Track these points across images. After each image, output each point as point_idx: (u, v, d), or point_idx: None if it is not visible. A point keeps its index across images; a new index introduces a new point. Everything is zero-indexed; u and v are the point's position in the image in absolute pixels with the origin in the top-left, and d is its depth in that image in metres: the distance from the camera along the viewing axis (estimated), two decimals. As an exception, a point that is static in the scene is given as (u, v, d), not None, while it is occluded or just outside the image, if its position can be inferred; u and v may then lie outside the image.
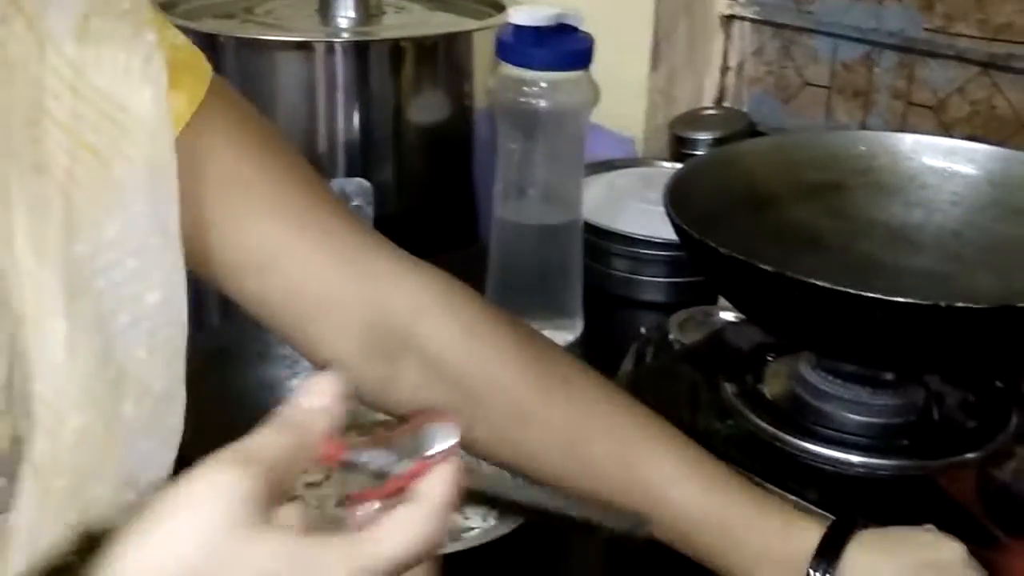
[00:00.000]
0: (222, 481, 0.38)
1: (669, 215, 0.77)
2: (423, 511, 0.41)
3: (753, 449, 0.73)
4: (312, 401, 0.41)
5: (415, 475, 0.42)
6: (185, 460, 0.84)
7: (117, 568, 0.37)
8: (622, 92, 1.33)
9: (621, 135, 1.39)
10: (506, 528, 0.72)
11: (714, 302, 0.96)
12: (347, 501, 0.43)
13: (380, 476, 0.43)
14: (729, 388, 0.78)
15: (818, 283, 0.65)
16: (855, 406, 0.75)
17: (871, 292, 0.64)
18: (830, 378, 0.76)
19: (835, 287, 0.65)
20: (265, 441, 0.40)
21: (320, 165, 1.26)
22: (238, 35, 1.28)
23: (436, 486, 0.41)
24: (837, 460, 0.72)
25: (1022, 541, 0.64)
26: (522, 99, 0.92)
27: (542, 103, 0.92)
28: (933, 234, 0.87)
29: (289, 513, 0.40)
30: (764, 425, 0.75)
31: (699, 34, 1.40)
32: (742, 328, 0.86)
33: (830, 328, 0.70)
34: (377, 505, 0.42)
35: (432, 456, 0.43)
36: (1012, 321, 0.65)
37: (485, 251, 1.00)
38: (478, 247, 1.07)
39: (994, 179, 0.86)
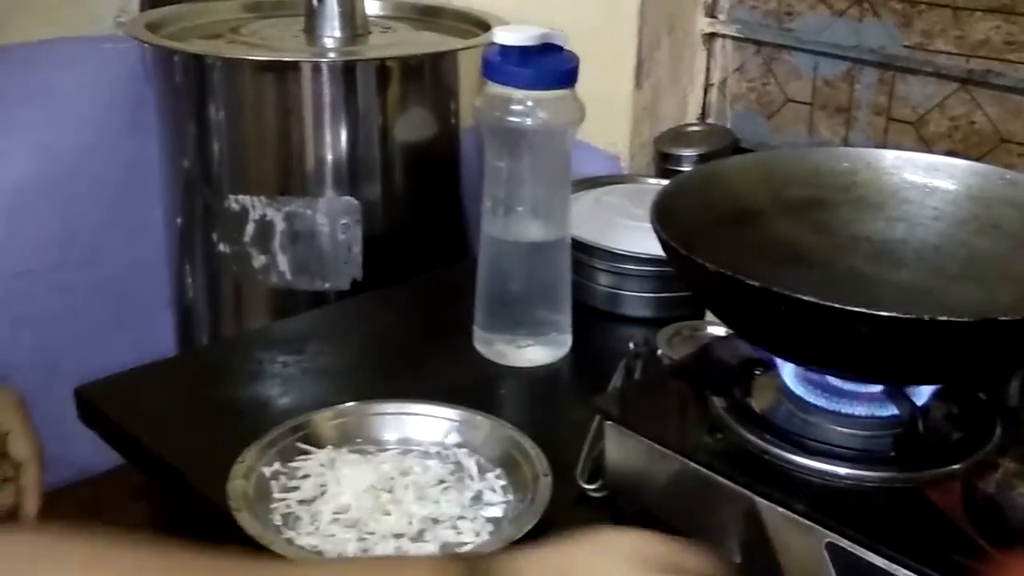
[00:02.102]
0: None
1: (656, 231, 0.78)
2: None
3: (742, 462, 0.74)
4: None
5: None
6: (181, 474, 0.84)
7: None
8: (607, 110, 1.35)
9: (607, 152, 1.40)
10: (499, 544, 0.73)
11: (701, 316, 0.97)
12: None
13: None
14: (718, 402, 0.79)
15: (803, 297, 0.66)
16: (841, 418, 0.76)
17: (855, 306, 0.65)
18: (817, 391, 0.76)
19: (820, 301, 0.66)
20: None
21: (307, 185, 1.26)
22: (225, 56, 1.28)
23: None
24: (825, 472, 0.73)
25: (1009, 553, 0.65)
26: (508, 118, 0.93)
27: (528, 122, 0.92)
28: (915, 248, 0.88)
29: None
30: (753, 438, 0.75)
31: (682, 52, 1.41)
32: (729, 342, 0.87)
33: (816, 342, 0.70)
34: None
35: None
36: (994, 334, 0.66)
37: (475, 266, 1.01)
38: (468, 263, 1.07)
39: (973, 194, 0.87)
